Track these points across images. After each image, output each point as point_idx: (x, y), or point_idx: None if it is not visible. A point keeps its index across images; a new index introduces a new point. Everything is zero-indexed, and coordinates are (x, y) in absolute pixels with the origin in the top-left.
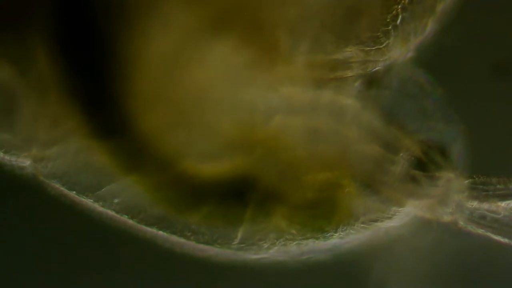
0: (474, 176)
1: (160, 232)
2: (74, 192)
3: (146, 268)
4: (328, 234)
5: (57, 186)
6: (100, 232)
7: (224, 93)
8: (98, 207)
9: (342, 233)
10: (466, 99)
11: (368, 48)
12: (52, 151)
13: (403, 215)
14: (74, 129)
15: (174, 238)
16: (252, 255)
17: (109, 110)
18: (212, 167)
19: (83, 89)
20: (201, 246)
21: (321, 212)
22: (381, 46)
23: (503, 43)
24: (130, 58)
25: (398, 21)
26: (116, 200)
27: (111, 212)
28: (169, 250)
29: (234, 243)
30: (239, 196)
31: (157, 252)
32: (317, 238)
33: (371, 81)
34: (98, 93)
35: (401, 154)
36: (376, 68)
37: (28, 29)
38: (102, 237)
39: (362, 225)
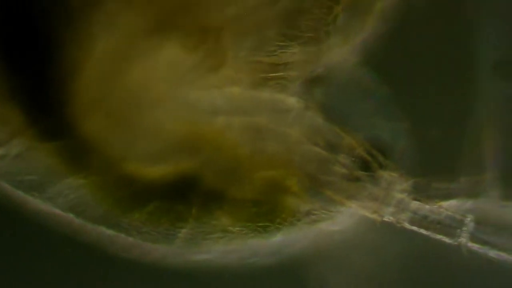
0: (417, 176)
1: (106, 233)
2: (20, 191)
3: (91, 272)
4: (272, 234)
5: (3, 187)
6: (45, 234)
7: (167, 94)
8: (44, 207)
9: (285, 233)
10: (411, 98)
11: (310, 48)
12: None
13: (346, 215)
14: (19, 130)
15: (120, 239)
16: (196, 255)
17: (52, 111)
18: (157, 169)
19: (26, 90)
20: (147, 246)
21: (265, 211)
22: (322, 46)
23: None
24: (73, 58)
25: (339, 21)
26: (61, 200)
27: (57, 212)
28: (115, 254)
29: (178, 241)
30: (183, 195)
31: (102, 257)
32: (261, 238)
33: (314, 81)
34: (41, 94)
35: (344, 154)
36: (319, 68)
37: None
38: (47, 239)
39: (305, 225)
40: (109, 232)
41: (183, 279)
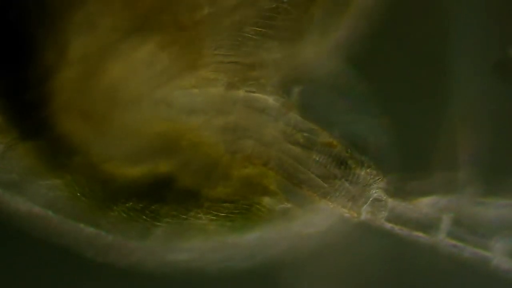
0: (394, 173)
1: (84, 233)
2: None
3: (68, 276)
4: (248, 234)
5: None
6: (22, 235)
7: (145, 94)
8: (22, 206)
9: (262, 233)
10: (388, 95)
11: (287, 47)
12: None
13: (323, 214)
14: None
15: (98, 239)
16: (174, 254)
17: (30, 110)
18: (135, 169)
19: (3, 90)
20: (125, 246)
21: (241, 209)
22: (299, 45)
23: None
24: (50, 58)
25: (315, 19)
26: (40, 198)
27: (35, 211)
28: (92, 257)
29: (156, 239)
30: (160, 193)
31: (80, 260)
32: (237, 237)
33: (291, 80)
34: (18, 94)
35: (321, 152)
36: (296, 67)
37: None
38: (24, 240)
39: (282, 224)
40: (87, 231)
41: (161, 282)
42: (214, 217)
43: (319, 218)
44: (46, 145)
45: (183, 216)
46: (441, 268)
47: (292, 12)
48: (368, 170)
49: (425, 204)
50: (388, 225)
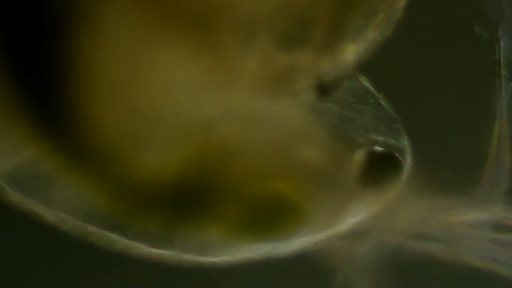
0: (422, 189)
1: (107, 236)
2: (21, 195)
3: (90, 271)
4: (278, 243)
5: (5, 188)
6: (49, 235)
7: (177, 101)
8: (46, 210)
9: (292, 242)
10: (415, 112)
11: (322, 56)
12: None
13: (351, 225)
14: (26, 134)
15: (121, 242)
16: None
17: (53, 107)
18: (160, 169)
19: (33, 93)
20: (148, 250)
21: (271, 220)
22: (334, 54)
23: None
24: (78, 60)
25: (352, 29)
26: (64, 202)
27: (60, 215)
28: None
29: (184, 249)
30: (188, 203)
31: (101, 256)
32: (268, 247)
33: (323, 92)
34: (44, 93)
35: (350, 166)
36: (329, 78)
37: None
38: (50, 240)
39: (313, 234)
40: (111, 235)
41: (186, 276)
42: (245, 227)
43: (347, 230)
44: (68, 142)
45: (212, 224)
46: (463, 285)
47: (328, 20)
48: (397, 185)
49: (453, 221)
50: (415, 239)
